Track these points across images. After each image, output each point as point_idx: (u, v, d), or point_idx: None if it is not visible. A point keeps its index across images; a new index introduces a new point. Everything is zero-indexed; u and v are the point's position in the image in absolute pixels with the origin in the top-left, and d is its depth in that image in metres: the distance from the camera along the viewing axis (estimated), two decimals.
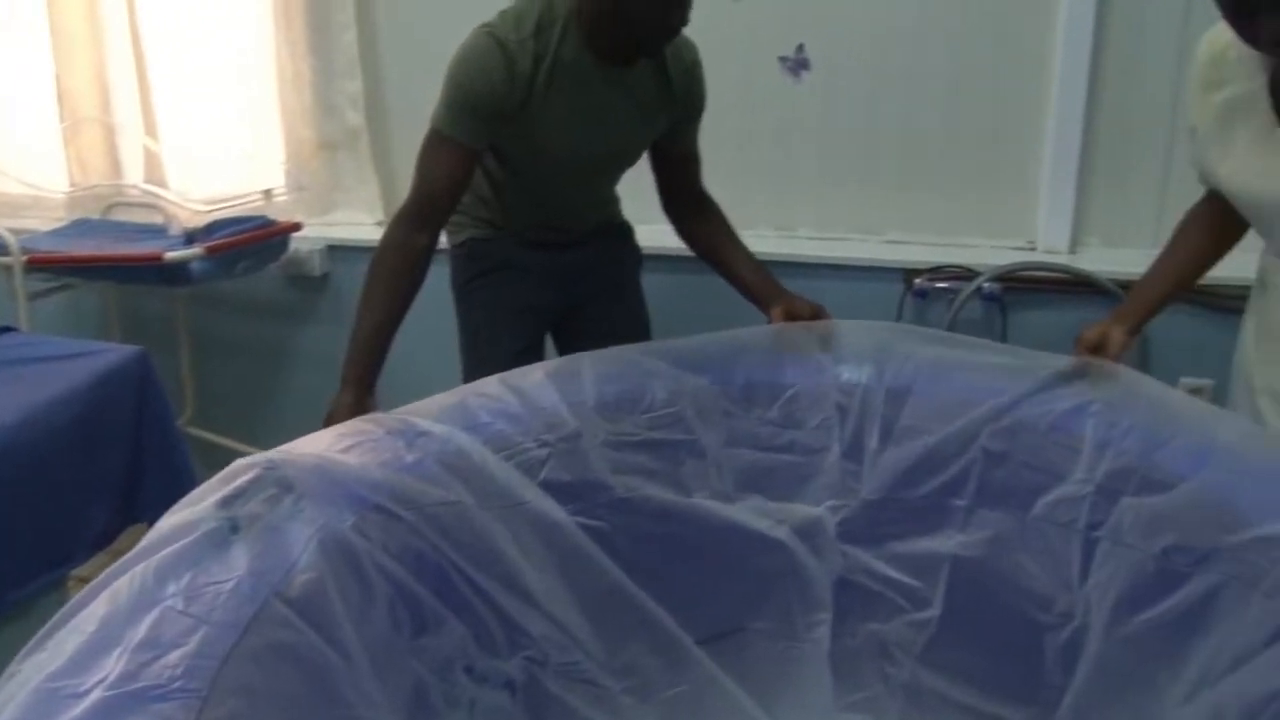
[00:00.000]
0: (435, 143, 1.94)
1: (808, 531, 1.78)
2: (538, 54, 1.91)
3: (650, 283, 2.43)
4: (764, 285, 2.10)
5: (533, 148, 2.02)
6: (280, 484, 1.38)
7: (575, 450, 1.71)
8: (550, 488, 1.65)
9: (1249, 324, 1.86)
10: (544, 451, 1.68)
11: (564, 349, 2.32)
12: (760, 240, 2.79)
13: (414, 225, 1.93)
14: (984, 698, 1.75)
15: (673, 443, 1.80)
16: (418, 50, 2.98)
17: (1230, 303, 2.56)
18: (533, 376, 1.79)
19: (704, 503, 1.77)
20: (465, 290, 2.22)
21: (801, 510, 1.80)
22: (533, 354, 2.20)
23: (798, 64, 2.83)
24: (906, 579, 1.78)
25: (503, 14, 1.95)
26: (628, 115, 2.05)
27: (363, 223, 3.18)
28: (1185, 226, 1.91)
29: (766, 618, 1.81)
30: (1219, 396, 2.68)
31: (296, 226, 3.06)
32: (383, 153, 3.17)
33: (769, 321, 2.04)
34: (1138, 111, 2.72)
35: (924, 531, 1.77)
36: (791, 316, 2.00)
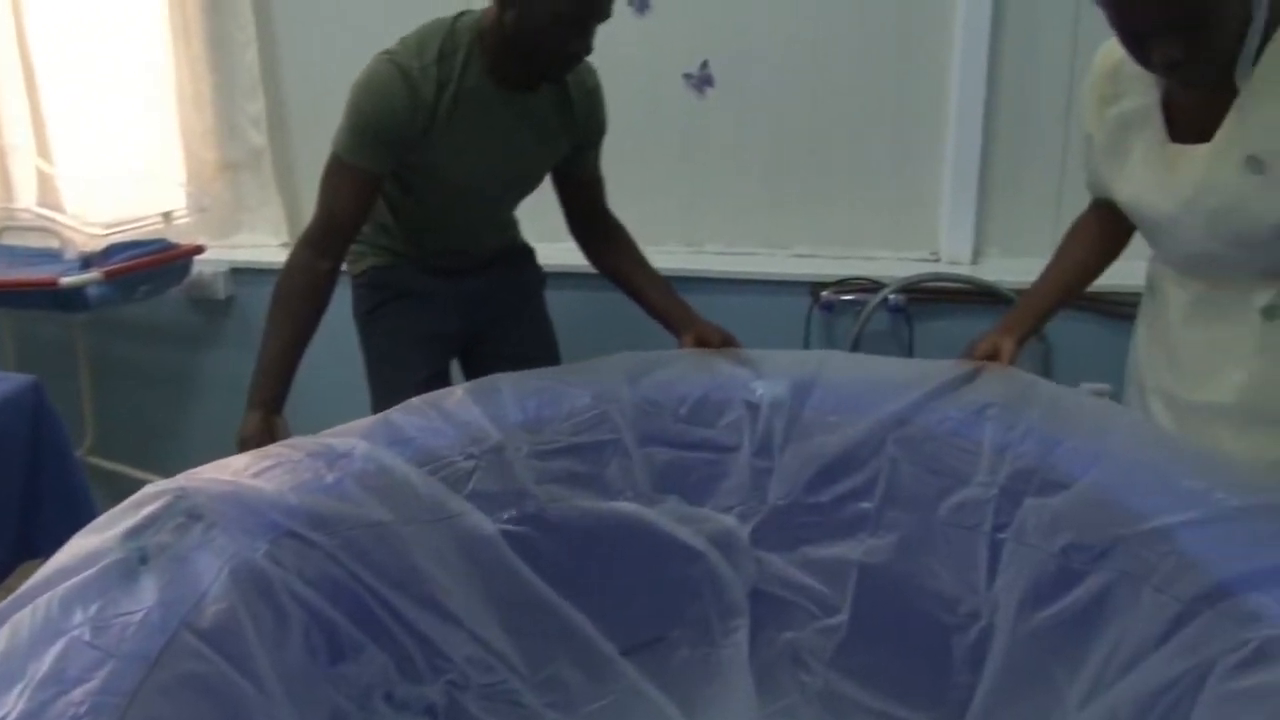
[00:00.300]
0: (337, 168, 1.93)
1: (723, 540, 1.79)
2: (440, 81, 1.91)
3: (556, 300, 2.43)
4: (674, 309, 2.11)
5: (435, 174, 2.01)
6: (190, 512, 1.35)
7: (500, 461, 1.71)
8: (477, 499, 1.64)
9: (1140, 328, 1.92)
10: (470, 464, 1.68)
11: (472, 375, 2.31)
12: (668, 256, 2.82)
13: (317, 250, 1.93)
14: (896, 701, 1.77)
15: (596, 444, 1.80)
16: (320, 69, 2.96)
17: (1129, 309, 2.62)
18: (453, 395, 1.79)
19: (626, 509, 1.77)
20: (368, 319, 2.21)
21: (716, 519, 1.81)
22: (440, 381, 2.18)
23: (702, 81, 2.86)
24: (817, 585, 1.80)
25: (404, 41, 1.94)
26: (529, 141, 2.06)
27: (267, 244, 3.14)
28: (1072, 236, 1.96)
29: (687, 626, 1.81)
30: (1117, 400, 2.76)
31: (199, 249, 3.01)
32: (286, 173, 3.13)
33: (680, 345, 2.05)
34: (1033, 126, 2.79)
35: (833, 537, 1.80)
36: (702, 342, 2.02)
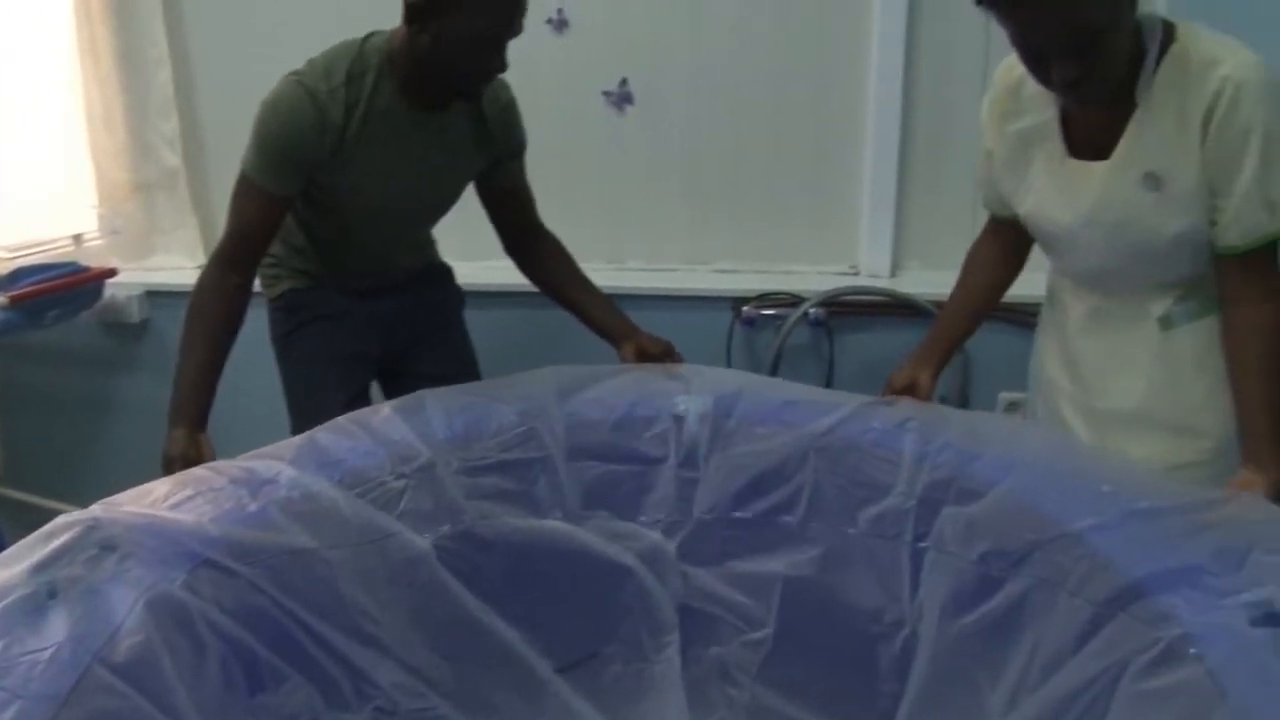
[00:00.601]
0: (245, 188, 1.92)
1: (651, 556, 1.80)
2: (349, 103, 1.90)
3: (478, 320, 2.42)
4: (613, 321, 2.12)
5: (346, 195, 2.00)
6: (104, 543, 1.32)
7: (431, 479, 1.70)
8: (409, 518, 1.63)
9: (1040, 338, 1.96)
10: (400, 483, 1.67)
11: (392, 396, 2.29)
12: (591, 273, 2.79)
13: (228, 267, 1.92)
14: (823, 712, 1.78)
15: (525, 461, 1.81)
16: (236, 87, 2.87)
17: None
18: (380, 413, 1.78)
19: (557, 528, 1.77)
20: (286, 343, 2.18)
21: (644, 535, 1.81)
22: (360, 402, 2.16)
23: (621, 98, 2.87)
24: (742, 599, 1.82)
25: (312, 62, 1.93)
26: (443, 160, 2.05)
27: (183, 266, 3.08)
28: (973, 260, 2.00)
29: (619, 643, 1.81)
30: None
31: (111, 272, 2.94)
32: (202, 193, 3.08)
33: (620, 358, 2.06)
34: (947, 141, 2.84)
35: (758, 550, 1.81)
36: (642, 353, 2.03)
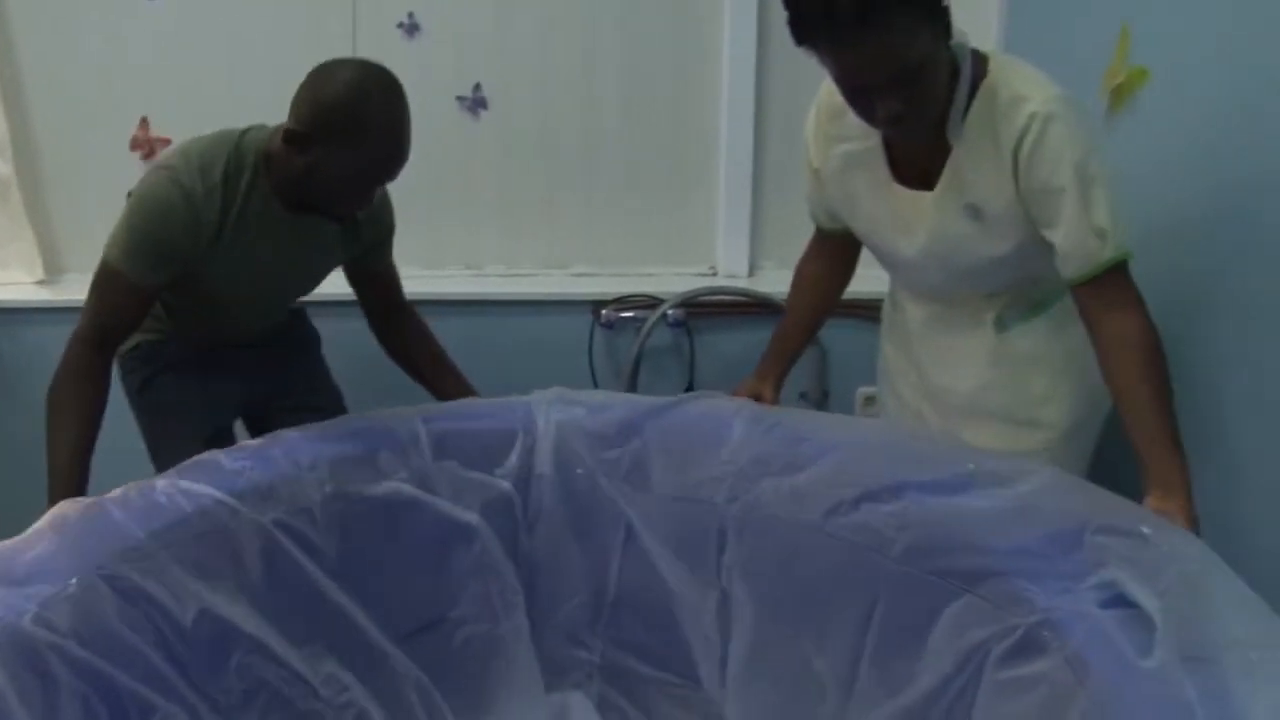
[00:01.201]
0: (110, 276, 1.83)
1: (498, 508, 1.84)
2: (224, 204, 1.83)
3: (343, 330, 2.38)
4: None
5: (212, 282, 1.93)
6: None
7: (268, 457, 1.71)
8: (247, 499, 1.62)
9: (886, 336, 2.03)
10: (238, 465, 1.68)
11: (257, 434, 2.25)
12: (449, 280, 2.79)
13: (94, 352, 1.85)
14: (668, 670, 1.85)
15: (373, 431, 1.84)
16: (69, 89, 2.78)
17: None
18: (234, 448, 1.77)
19: (397, 490, 1.78)
20: (141, 393, 2.11)
21: (492, 484, 1.85)
22: (222, 443, 2.10)
23: (476, 103, 2.84)
24: (585, 559, 1.88)
25: (186, 154, 1.85)
26: (310, 255, 2.02)
27: (21, 282, 2.92)
28: (804, 277, 2.05)
29: (466, 605, 1.84)
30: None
31: None
32: (38, 203, 2.93)
33: None
34: (801, 141, 2.87)
35: (595, 510, 1.86)
36: None
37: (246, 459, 1.69)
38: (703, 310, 2.88)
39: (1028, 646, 1.29)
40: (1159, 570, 1.24)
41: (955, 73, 1.58)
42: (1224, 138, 1.74)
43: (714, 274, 3.00)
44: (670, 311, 2.84)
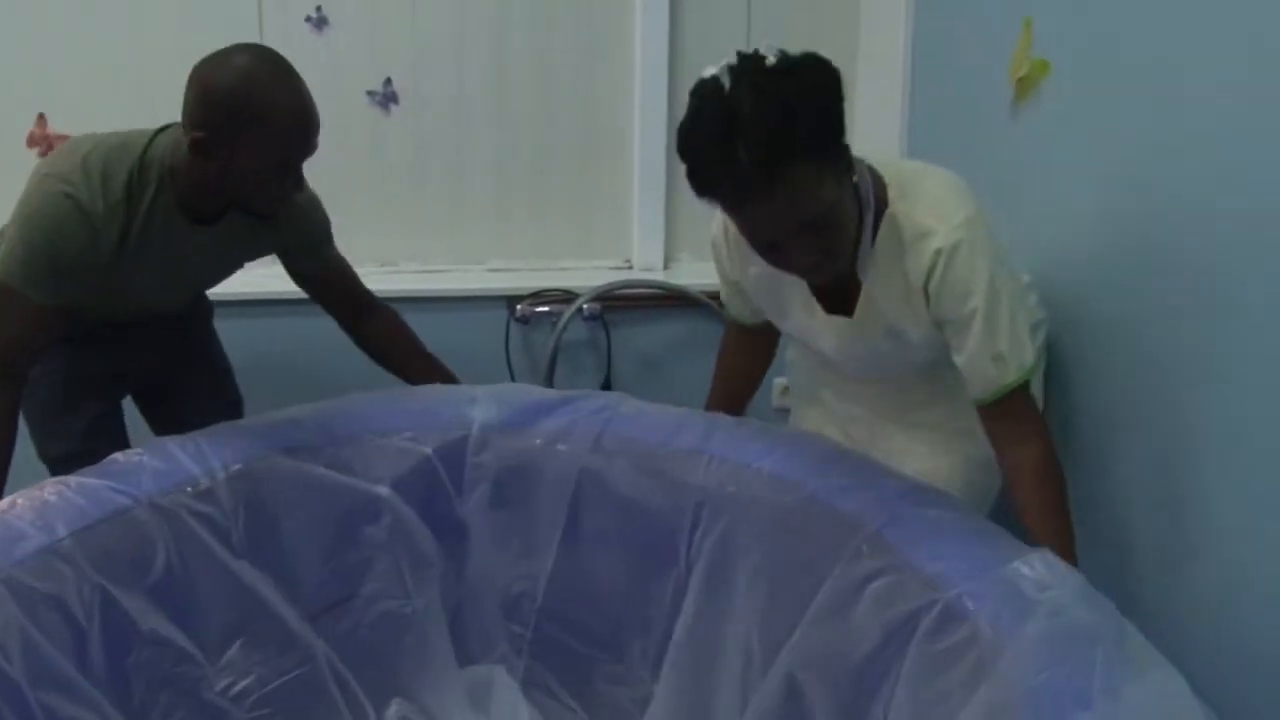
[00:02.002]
0: (8, 296, 1.73)
1: (415, 478, 1.81)
2: (126, 221, 1.74)
3: (238, 329, 2.35)
4: None
5: (110, 289, 1.84)
6: None
7: (163, 449, 1.68)
8: (147, 485, 1.60)
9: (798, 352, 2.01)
10: (135, 459, 1.64)
11: (148, 410, 2.23)
12: (363, 278, 2.75)
13: (3, 382, 1.76)
14: (602, 648, 1.86)
15: (280, 417, 1.83)
16: None
17: None
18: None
19: (305, 468, 1.76)
20: None
21: (410, 450, 1.82)
22: (108, 422, 2.07)
23: (386, 98, 2.81)
24: (522, 534, 1.86)
25: (87, 170, 1.72)
26: (217, 258, 1.94)
27: None
28: (727, 366, 2.04)
29: (377, 580, 1.82)
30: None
31: None
32: None
33: None
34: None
35: (541, 484, 1.84)
36: None
37: (140, 453, 1.67)
38: (619, 304, 2.89)
39: (950, 618, 1.32)
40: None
41: (859, 204, 1.56)
42: (1124, 129, 1.78)
43: (629, 267, 3.01)
44: (586, 306, 2.83)
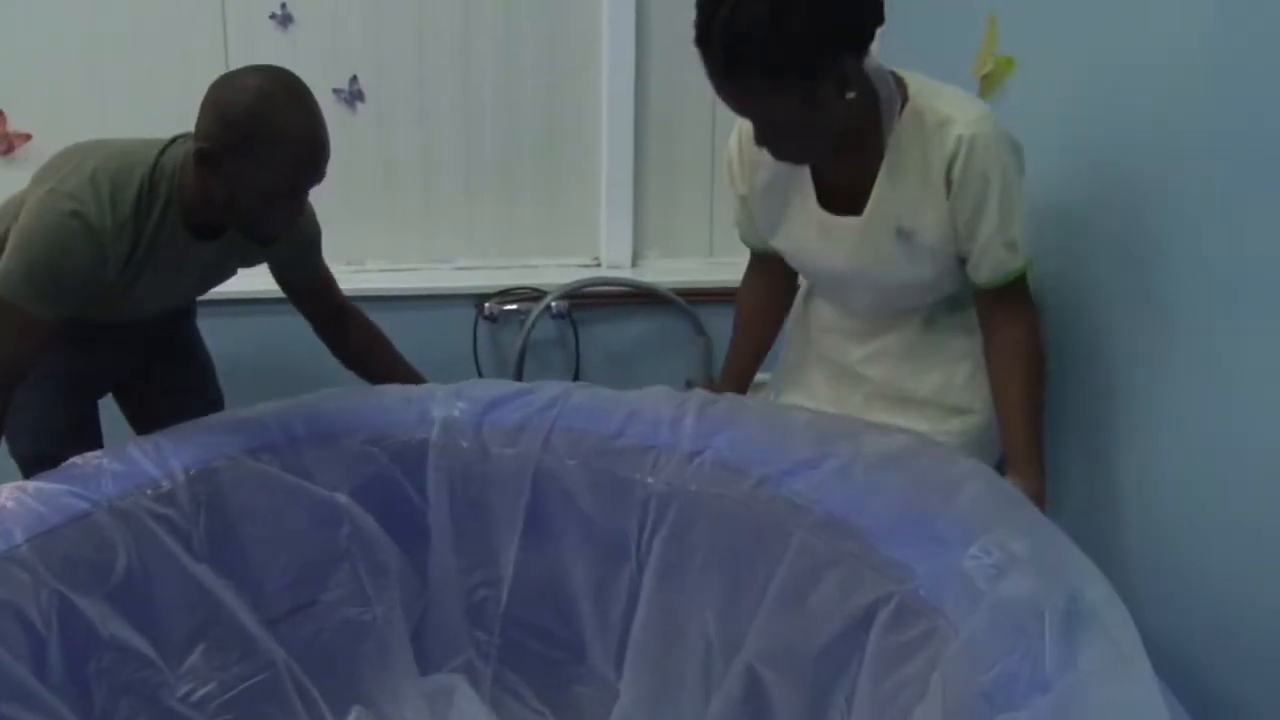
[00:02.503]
0: (7, 312, 1.69)
1: (375, 486, 1.82)
2: (135, 238, 1.72)
3: (221, 328, 2.32)
4: None
5: (110, 300, 1.81)
6: None
7: (125, 454, 1.67)
8: (107, 489, 1.60)
9: (793, 329, 2.04)
10: (97, 461, 1.64)
11: (129, 409, 2.20)
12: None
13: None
14: (565, 650, 1.87)
15: (242, 417, 1.84)
16: None
17: None
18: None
19: (264, 470, 1.76)
20: None
21: (369, 459, 1.83)
22: (86, 421, 2.05)
23: (353, 96, 2.80)
24: (487, 535, 1.86)
25: (95, 182, 1.69)
26: (217, 269, 1.94)
27: None
28: (746, 305, 2.05)
29: (337, 587, 1.82)
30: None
31: None
32: None
33: None
34: (681, 134, 2.92)
35: (499, 483, 1.85)
36: None
37: (99, 456, 1.66)
38: (587, 301, 2.88)
39: (903, 613, 1.33)
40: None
41: (874, 95, 1.60)
42: (1089, 126, 1.79)
43: (598, 265, 3.01)
44: (554, 303, 2.83)
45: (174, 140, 1.78)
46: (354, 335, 2.12)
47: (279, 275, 2.05)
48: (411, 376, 2.10)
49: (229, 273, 2.01)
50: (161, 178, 1.74)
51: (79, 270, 1.69)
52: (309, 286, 2.07)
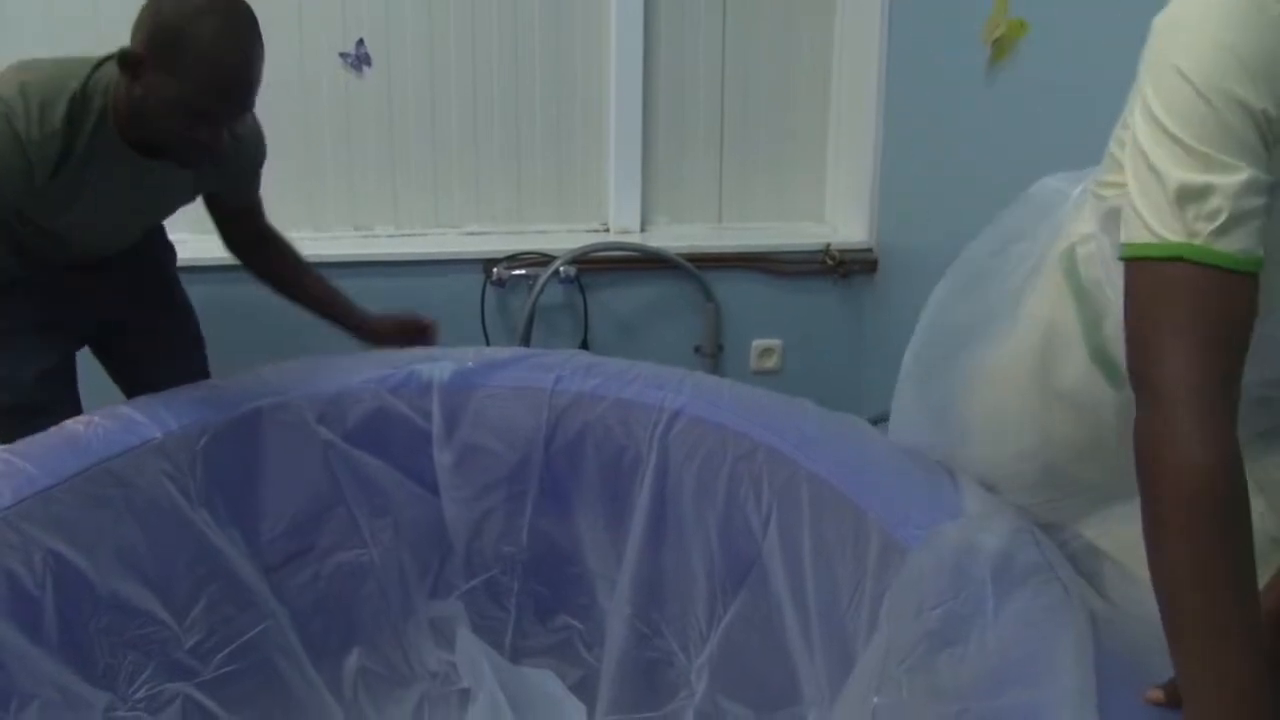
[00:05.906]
0: None
1: (379, 423, 1.82)
2: (64, 149, 1.70)
3: (203, 294, 2.32)
4: (341, 312, 2.09)
5: (54, 222, 1.81)
6: None
7: (115, 414, 1.67)
8: (97, 448, 1.59)
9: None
10: (89, 419, 1.64)
11: (107, 360, 2.16)
12: (337, 242, 2.74)
13: None
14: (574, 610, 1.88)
15: (238, 381, 1.85)
16: None
17: (791, 268, 2.79)
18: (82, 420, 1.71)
19: (260, 420, 1.77)
20: None
21: (373, 397, 1.83)
22: (61, 374, 2.02)
23: (360, 60, 2.78)
24: (508, 459, 1.85)
25: (25, 93, 1.67)
26: (164, 190, 1.90)
27: None
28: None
29: (334, 532, 1.83)
30: (788, 353, 2.93)
31: None
32: None
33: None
34: (690, 99, 2.90)
35: (505, 432, 1.84)
36: (376, 335, 2.03)
37: (92, 417, 1.66)
38: (595, 266, 2.87)
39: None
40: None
41: None
42: (1100, 89, 1.77)
43: (606, 230, 2.99)
44: (563, 268, 2.82)
45: (108, 56, 1.75)
46: (271, 254, 2.11)
47: (215, 201, 2.02)
48: (329, 293, 2.10)
49: (184, 195, 1.96)
50: (95, 90, 1.72)
51: (6, 176, 1.68)
52: (241, 210, 2.04)
